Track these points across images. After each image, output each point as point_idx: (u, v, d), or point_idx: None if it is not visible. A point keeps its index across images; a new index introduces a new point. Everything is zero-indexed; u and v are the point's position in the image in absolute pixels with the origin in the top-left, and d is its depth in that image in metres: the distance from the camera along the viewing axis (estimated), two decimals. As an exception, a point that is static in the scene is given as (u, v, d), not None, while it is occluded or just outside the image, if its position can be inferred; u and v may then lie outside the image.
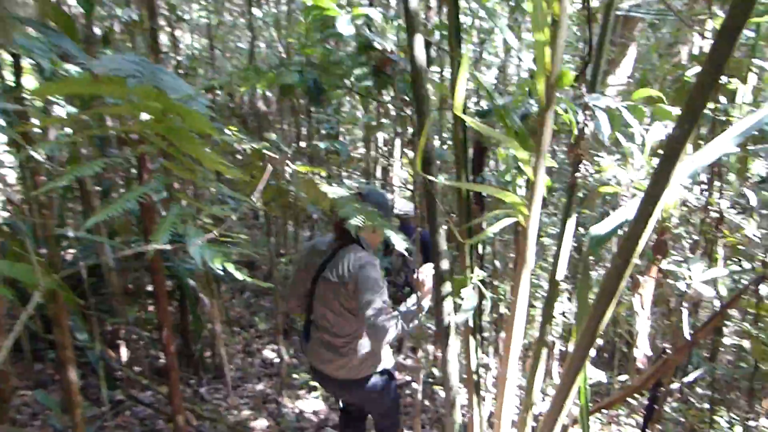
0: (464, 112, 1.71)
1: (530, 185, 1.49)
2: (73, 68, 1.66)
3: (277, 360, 4.72)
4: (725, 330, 4.20)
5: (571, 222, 1.75)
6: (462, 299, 1.45)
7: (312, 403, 4.17)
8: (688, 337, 1.38)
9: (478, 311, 1.78)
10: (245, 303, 6.48)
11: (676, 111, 1.54)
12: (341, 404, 3.17)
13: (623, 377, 4.97)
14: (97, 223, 3.51)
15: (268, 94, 5.50)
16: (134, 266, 3.98)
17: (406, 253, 3.74)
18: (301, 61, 1.83)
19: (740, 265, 3.35)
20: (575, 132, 1.51)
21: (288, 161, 1.64)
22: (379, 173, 8.49)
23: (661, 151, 1.95)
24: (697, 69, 1.93)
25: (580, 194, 1.91)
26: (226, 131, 1.85)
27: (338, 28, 1.93)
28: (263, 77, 1.76)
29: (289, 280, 2.84)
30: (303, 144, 6.12)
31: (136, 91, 1.49)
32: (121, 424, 3.38)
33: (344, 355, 2.59)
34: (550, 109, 1.40)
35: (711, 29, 3.22)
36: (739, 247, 3.29)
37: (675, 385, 3.76)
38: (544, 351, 1.81)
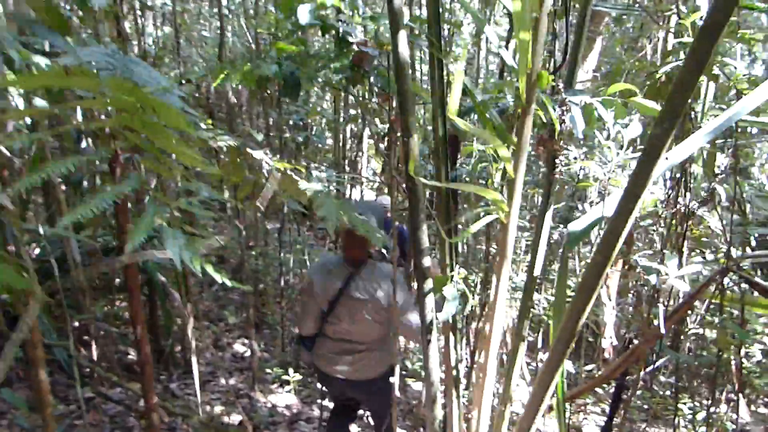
0: (444, 109, 1.71)
1: (509, 182, 1.50)
2: (44, 61, 1.60)
3: (248, 354, 4.68)
4: (688, 319, 4.33)
5: (548, 216, 1.77)
6: (443, 296, 1.45)
7: (284, 398, 4.15)
8: (663, 330, 1.42)
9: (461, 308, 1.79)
10: (214, 296, 6.39)
11: (652, 104, 1.56)
12: (332, 404, 3.25)
13: (590, 366, 5.09)
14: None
15: (238, 85, 5.41)
16: (104, 262, 3.88)
17: (384, 250, 3.76)
18: (277, 54, 1.80)
19: (704, 257, 3.45)
20: (556, 127, 1.52)
21: (266, 157, 1.61)
22: (347, 164, 8.47)
23: (634, 147, 1.98)
24: (668, 66, 1.97)
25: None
26: (202, 126, 1.81)
27: (299, 16, 1.89)
28: (239, 71, 1.73)
29: (302, 308, 2.88)
30: (272, 134, 6.04)
31: (109, 84, 1.44)
32: (92, 422, 3.30)
33: (364, 358, 2.72)
34: (530, 106, 1.41)
35: (675, 24, 3.28)
36: (703, 239, 3.38)
37: (640, 374, 3.87)
38: (522, 345, 1.83)
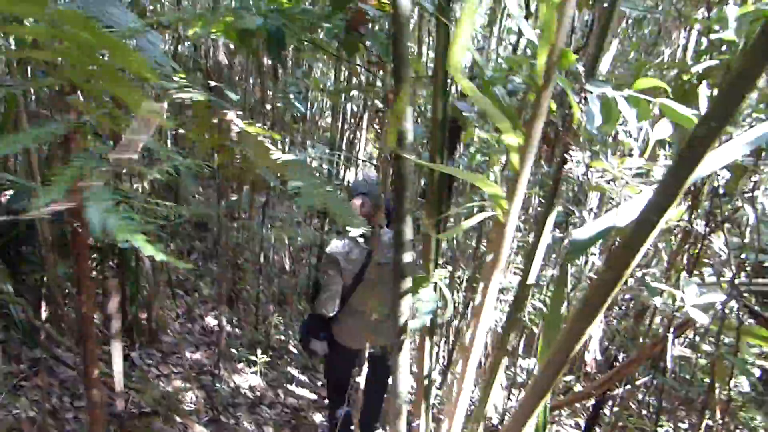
0: (446, 90, 1.50)
1: (512, 177, 1.30)
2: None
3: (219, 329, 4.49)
4: (675, 340, 4.17)
5: (551, 219, 1.57)
6: (421, 299, 1.26)
7: (250, 379, 3.97)
8: (671, 361, 1.24)
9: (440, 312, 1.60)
10: (193, 265, 6.18)
11: (683, 109, 1.36)
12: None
13: (569, 378, 4.93)
14: (31, 166, 3.20)
15: (233, 47, 5.16)
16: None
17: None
18: (268, 3, 1.58)
19: (702, 279, 3.27)
20: (575, 116, 1.32)
21: (236, 118, 1.40)
22: (344, 145, 8.21)
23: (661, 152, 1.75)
24: (701, 65, 1.76)
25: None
26: (173, 78, 1.60)
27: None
28: (219, 19, 1.51)
29: (325, 287, 2.90)
30: (268, 107, 5.80)
31: (58, 15, 1.22)
32: (39, 385, 3.10)
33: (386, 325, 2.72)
34: (548, 88, 1.20)
35: (699, 29, 3.07)
36: (704, 260, 3.20)
37: (618, 390, 3.70)
38: (504, 359, 1.64)
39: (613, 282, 1.10)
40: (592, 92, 1.41)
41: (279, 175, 1.39)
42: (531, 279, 1.60)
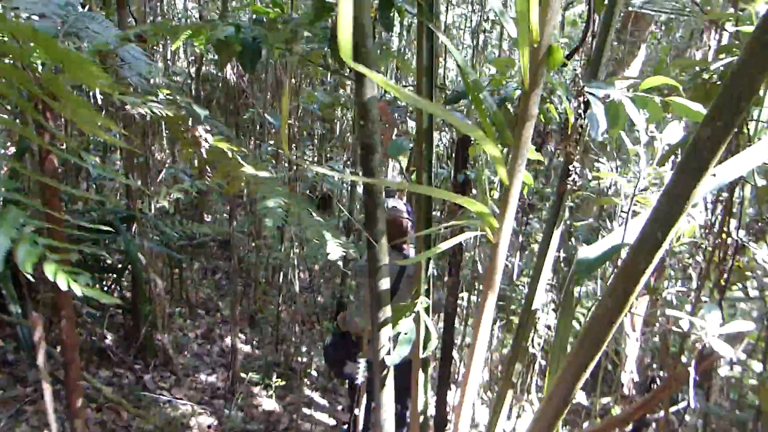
0: (431, 99, 1.38)
1: (504, 192, 1.16)
2: None
3: (239, 347, 4.40)
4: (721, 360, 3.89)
5: (556, 236, 1.42)
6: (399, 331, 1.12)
7: (265, 402, 3.86)
8: (694, 376, 1.07)
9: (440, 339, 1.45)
10: (215, 285, 6.14)
11: (697, 106, 1.20)
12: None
13: (606, 399, 4.65)
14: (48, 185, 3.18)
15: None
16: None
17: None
18: (242, 17, 1.49)
19: (746, 293, 3.02)
20: (570, 122, 1.18)
21: (205, 133, 1.30)
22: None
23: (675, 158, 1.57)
24: (721, 62, 1.59)
25: (572, 202, 1.61)
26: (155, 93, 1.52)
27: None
28: (195, 31, 1.43)
29: (358, 304, 2.87)
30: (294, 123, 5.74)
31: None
32: (43, 410, 3.05)
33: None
34: (535, 91, 1.06)
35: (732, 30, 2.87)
36: (747, 273, 2.96)
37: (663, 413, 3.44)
38: (510, 393, 1.49)
39: (614, 312, 0.95)
40: (594, 95, 1.26)
41: (233, 191, 1.29)
42: (536, 303, 1.45)
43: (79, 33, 1.65)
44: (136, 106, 1.20)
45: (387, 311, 1.13)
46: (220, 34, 1.38)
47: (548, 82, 1.24)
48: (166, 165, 5.76)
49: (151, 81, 1.50)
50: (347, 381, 3.10)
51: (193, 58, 7.02)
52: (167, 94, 1.52)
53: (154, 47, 5.78)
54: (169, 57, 6.65)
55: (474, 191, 2.58)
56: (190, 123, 1.29)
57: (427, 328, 1.19)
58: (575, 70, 1.29)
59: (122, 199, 4.72)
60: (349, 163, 6.56)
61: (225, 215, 7.56)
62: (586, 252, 1.32)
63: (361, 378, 2.81)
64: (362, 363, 2.75)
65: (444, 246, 1.08)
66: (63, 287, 0.78)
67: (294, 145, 5.50)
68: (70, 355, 1.78)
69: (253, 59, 1.45)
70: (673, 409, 2.90)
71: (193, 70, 6.66)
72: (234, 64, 5.18)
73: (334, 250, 1.21)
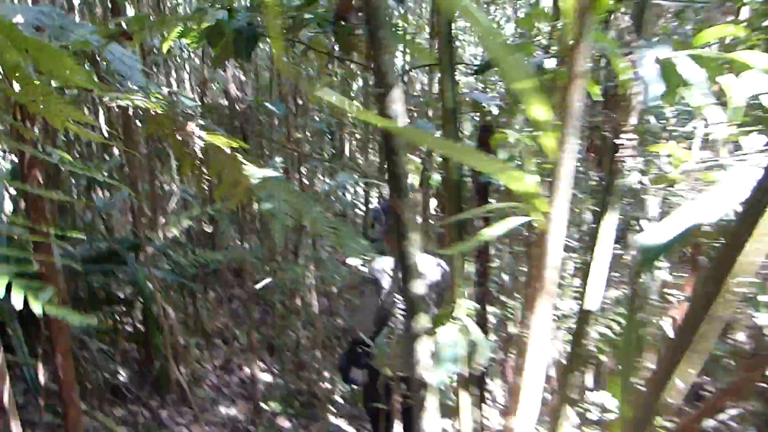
0: (454, 76, 1.21)
1: (551, 170, 0.97)
2: None
3: (259, 377, 4.20)
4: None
5: (610, 224, 1.23)
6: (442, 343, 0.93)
7: (289, 434, 3.65)
8: None
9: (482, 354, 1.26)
10: (231, 312, 5.97)
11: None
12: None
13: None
14: (44, 219, 3.04)
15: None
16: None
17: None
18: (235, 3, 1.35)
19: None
20: (625, 85, 0.99)
21: (198, 129, 1.13)
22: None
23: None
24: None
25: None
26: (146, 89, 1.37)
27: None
28: (182, 23, 1.28)
29: (362, 309, 2.82)
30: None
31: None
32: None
33: None
34: (582, 42, 0.88)
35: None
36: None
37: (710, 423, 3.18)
38: (566, 407, 1.28)
39: (709, 296, 0.76)
40: (644, 54, 1.08)
41: (239, 197, 1.11)
42: (591, 304, 1.25)
43: (60, 36, 1.51)
44: (115, 100, 1.04)
45: (423, 320, 0.94)
46: (211, 19, 1.22)
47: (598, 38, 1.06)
48: (174, 193, 5.65)
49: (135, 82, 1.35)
50: (378, 411, 3.01)
51: (198, 86, 6.96)
52: (154, 95, 1.36)
53: (159, 75, 5.71)
54: (175, 86, 6.58)
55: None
56: (179, 119, 1.12)
57: (472, 334, 1.00)
58: (619, 23, 1.11)
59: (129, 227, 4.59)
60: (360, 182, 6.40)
61: (238, 242, 7.42)
62: (648, 237, 1.12)
63: (360, 382, 2.87)
64: (363, 371, 2.83)
65: (488, 233, 0.89)
66: (16, 305, 0.62)
67: (303, 165, 5.36)
68: (68, 395, 1.61)
69: (249, 45, 1.29)
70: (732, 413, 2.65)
71: (196, 96, 6.57)
72: (237, 83, 5.06)
73: (353, 250, 1.03)
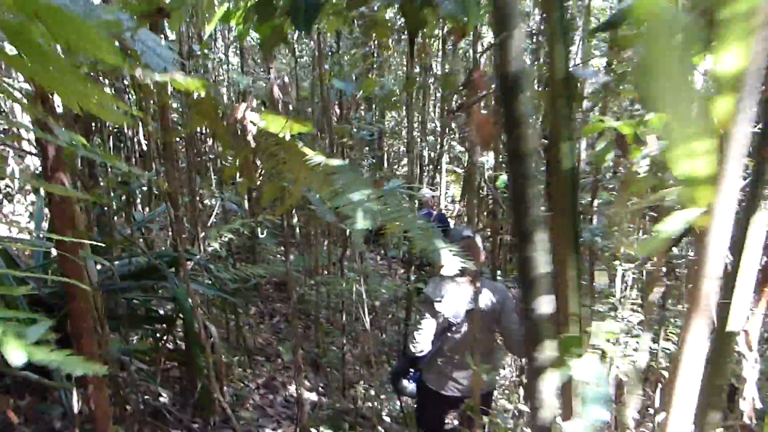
0: (567, 35, 0.98)
1: (720, 145, 0.73)
2: None
3: (305, 397, 4.00)
4: None
5: (760, 225, 0.98)
6: (582, 380, 0.69)
7: (337, 458, 3.43)
8: None
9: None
10: (273, 329, 5.80)
11: None
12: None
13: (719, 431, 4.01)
14: (70, 227, 2.92)
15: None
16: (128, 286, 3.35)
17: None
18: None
19: None
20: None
21: (250, 112, 0.93)
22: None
23: None
24: None
25: None
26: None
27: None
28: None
29: (419, 330, 2.87)
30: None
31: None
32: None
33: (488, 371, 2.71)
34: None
35: None
36: None
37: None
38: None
39: None
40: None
41: (319, 188, 0.90)
42: (734, 324, 1.00)
43: (88, 17, 1.34)
44: (150, 76, 0.85)
45: (549, 347, 0.71)
46: (262, -10, 1.04)
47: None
48: (215, 208, 5.54)
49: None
50: (427, 428, 3.17)
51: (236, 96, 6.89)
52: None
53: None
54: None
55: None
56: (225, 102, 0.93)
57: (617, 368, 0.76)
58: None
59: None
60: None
61: (279, 256, 7.27)
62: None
63: (408, 391, 3.05)
64: (412, 384, 3.02)
65: (664, 230, 0.66)
66: None
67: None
68: (102, 427, 1.43)
69: (309, 17, 1.09)
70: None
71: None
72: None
73: (449, 260, 0.81)
